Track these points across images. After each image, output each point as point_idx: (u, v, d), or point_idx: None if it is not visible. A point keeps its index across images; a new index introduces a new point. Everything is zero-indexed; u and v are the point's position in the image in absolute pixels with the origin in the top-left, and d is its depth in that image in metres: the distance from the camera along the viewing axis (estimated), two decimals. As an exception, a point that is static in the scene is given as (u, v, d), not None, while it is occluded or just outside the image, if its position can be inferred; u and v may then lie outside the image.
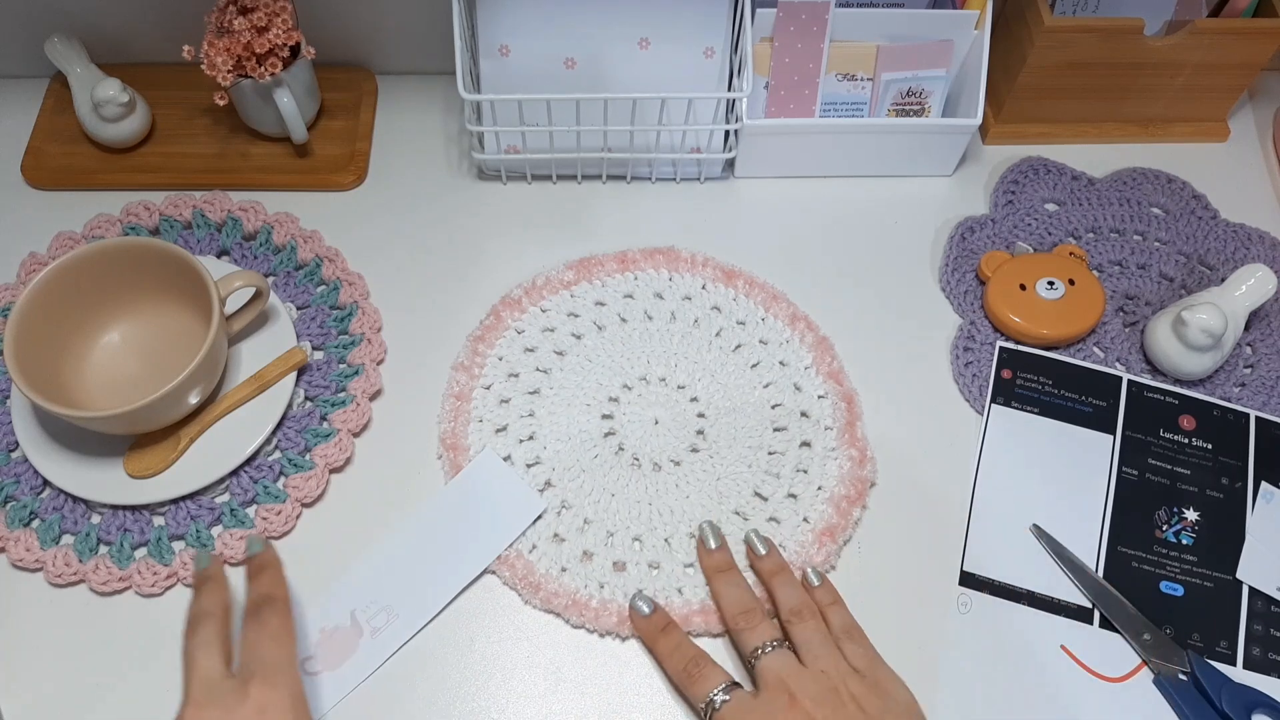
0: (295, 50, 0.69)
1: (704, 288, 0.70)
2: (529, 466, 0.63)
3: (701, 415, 0.65)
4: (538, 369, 0.67)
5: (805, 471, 0.63)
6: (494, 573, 0.60)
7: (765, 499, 0.63)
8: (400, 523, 0.61)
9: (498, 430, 0.64)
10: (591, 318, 0.69)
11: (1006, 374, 0.67)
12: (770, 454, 0.64)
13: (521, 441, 0.64)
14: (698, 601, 0.59)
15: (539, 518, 0.61)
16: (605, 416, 0.65)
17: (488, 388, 0.66)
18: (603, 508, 0.62)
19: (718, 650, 0.58)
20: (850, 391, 0.66)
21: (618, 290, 0.70)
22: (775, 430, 0.65)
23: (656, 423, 0.65)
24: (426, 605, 0.58)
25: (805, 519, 0.62)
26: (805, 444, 0.64)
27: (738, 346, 0.68)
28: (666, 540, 0.61)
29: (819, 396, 0.66)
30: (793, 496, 0.63)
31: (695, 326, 0.69)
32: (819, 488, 0.63)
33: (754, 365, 0.67)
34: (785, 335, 0.68)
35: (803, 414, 0.65)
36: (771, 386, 0.66)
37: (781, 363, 0.67)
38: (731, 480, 0.63)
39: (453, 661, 0.58)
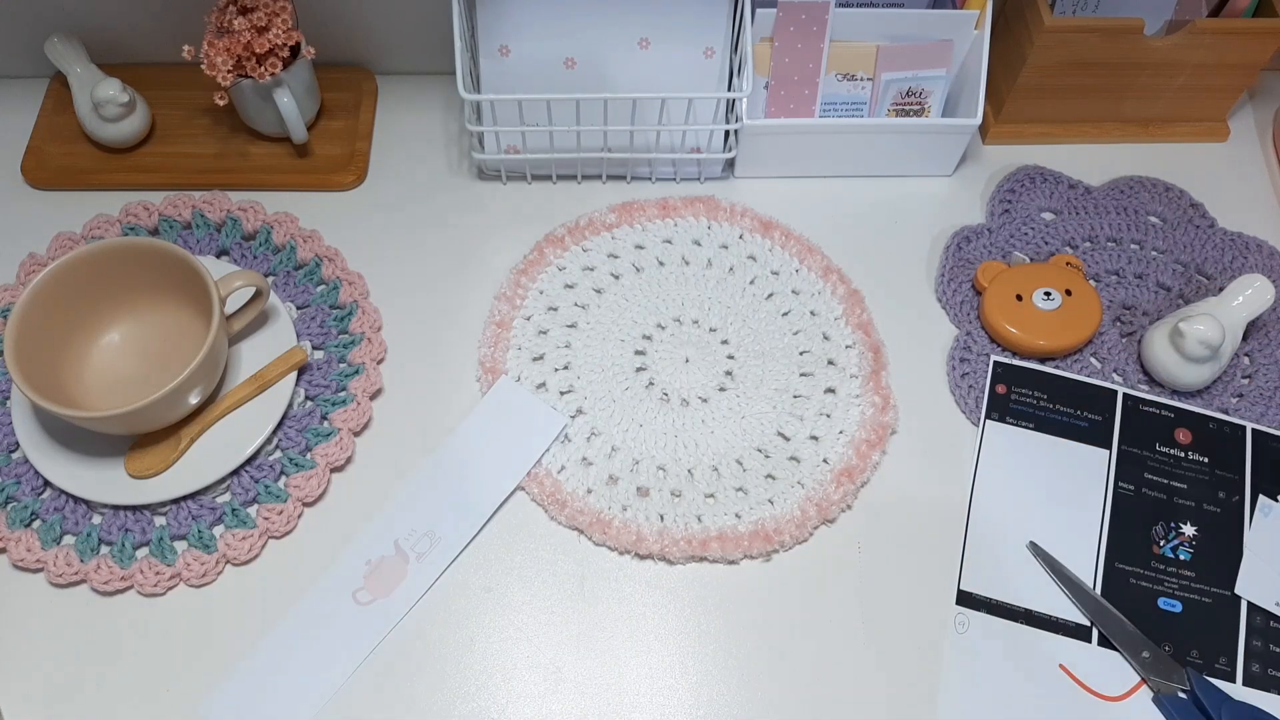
0: (295, 50, 0.69)
1: (741, 237, 0.72)
2: (562, 394, 0.66)
3: (731, 357, 0.67)
4: (576, 304, 0.69)
5: (828, 416, 0.65)
6: (524, 489, 0.63)
7: (788, 439, 0.65)
8: (433, 452, 0.63)
9: (535, 359, 0.67)
10: (631, 260, 0.71)
11: (1001, 389, 0.66)
12: (795, 397, 0.66)
13: (556, 370, 0.67)
14: (715, 529, 0.61)
15: (563, 431, 0.64)
16: (638, 353, 0.68)
17: (528, 318, 0.69)
18: (631, 436, 0.65)
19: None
20: (877, 342, 0.68)
21: (657, 235, 0.72)
22: (801, 375, 0.67)
23: (687, 361, 0.67)
24: (466, 526, 0.61)
25: (825, 460, 0.64)
26: (830, 390, 0.66)
27: (770, 295, 0.70)
28: (690, 471, 0.63)
29: (846, 346, 0.68)
30: (814, 438, 0.65)
31: (730, 274, 0.71)
32: (840, 431, 0.65)
33: (785, 313, 0.69)
34: (818, 287, 0.70)
35: (830, 361, 0.67)
36: (801, 334, 0.68)
37: (812, 312, 0.69)
38: (756, 419, 0.65)
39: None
